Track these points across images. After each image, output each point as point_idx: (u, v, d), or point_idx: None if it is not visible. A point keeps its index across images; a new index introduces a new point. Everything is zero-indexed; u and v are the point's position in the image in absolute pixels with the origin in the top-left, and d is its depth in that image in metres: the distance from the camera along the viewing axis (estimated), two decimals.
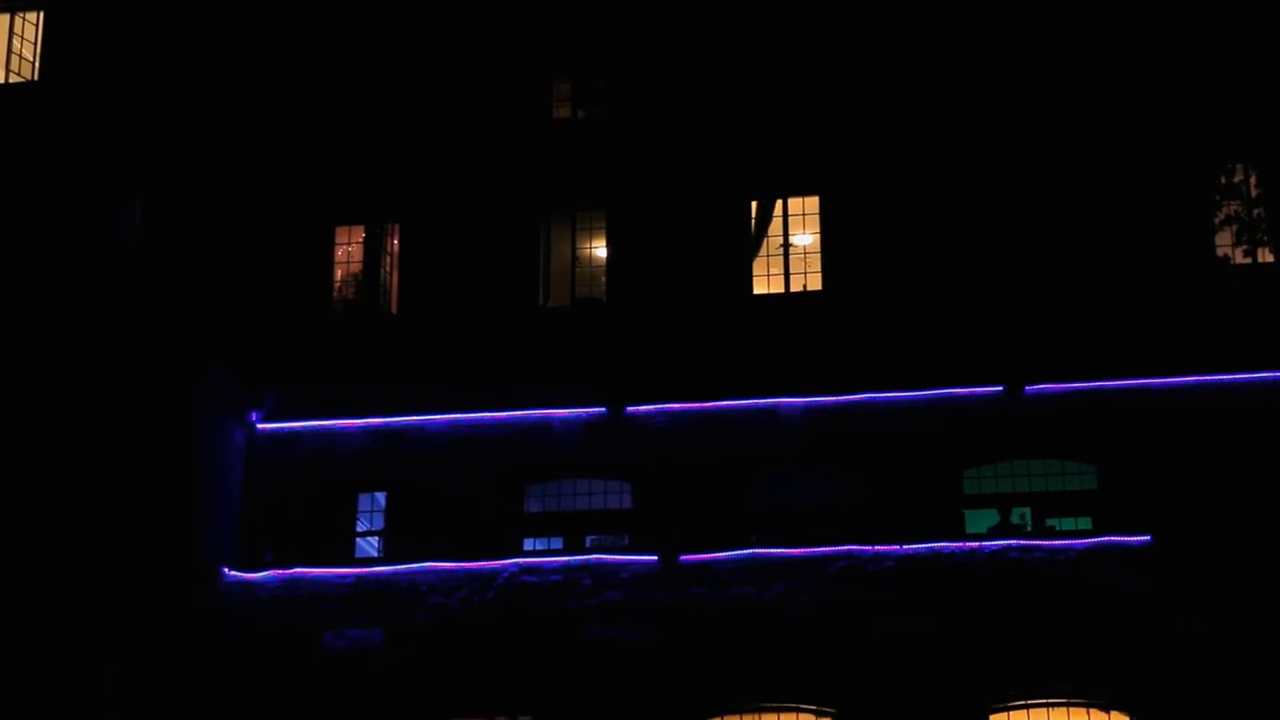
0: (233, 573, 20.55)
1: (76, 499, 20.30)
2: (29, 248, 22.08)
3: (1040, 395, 20.47)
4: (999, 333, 20.78)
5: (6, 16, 23.61)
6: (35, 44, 23.66)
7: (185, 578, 20.16)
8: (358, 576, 20.32)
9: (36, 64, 23.64)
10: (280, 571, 20.47)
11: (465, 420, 21.68)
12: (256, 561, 20.75)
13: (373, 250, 23.11)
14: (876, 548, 19.39)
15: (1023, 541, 19.34)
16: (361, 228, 23.21)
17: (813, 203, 22.16)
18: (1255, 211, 20.61)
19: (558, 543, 21.50)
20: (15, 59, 23.53)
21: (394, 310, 22.82)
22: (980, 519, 20.69)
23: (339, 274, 23.12)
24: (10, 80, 23.51)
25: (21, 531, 20.20)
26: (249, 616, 20.21)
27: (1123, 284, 20.71)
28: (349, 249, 23.22)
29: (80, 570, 19.99)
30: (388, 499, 21.87)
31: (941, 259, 21.32)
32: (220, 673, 19.96)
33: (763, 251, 22.23)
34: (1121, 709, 18.73)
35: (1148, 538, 18.97)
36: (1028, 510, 20.55)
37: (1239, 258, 20.18)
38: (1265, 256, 20.33)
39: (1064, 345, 20.56)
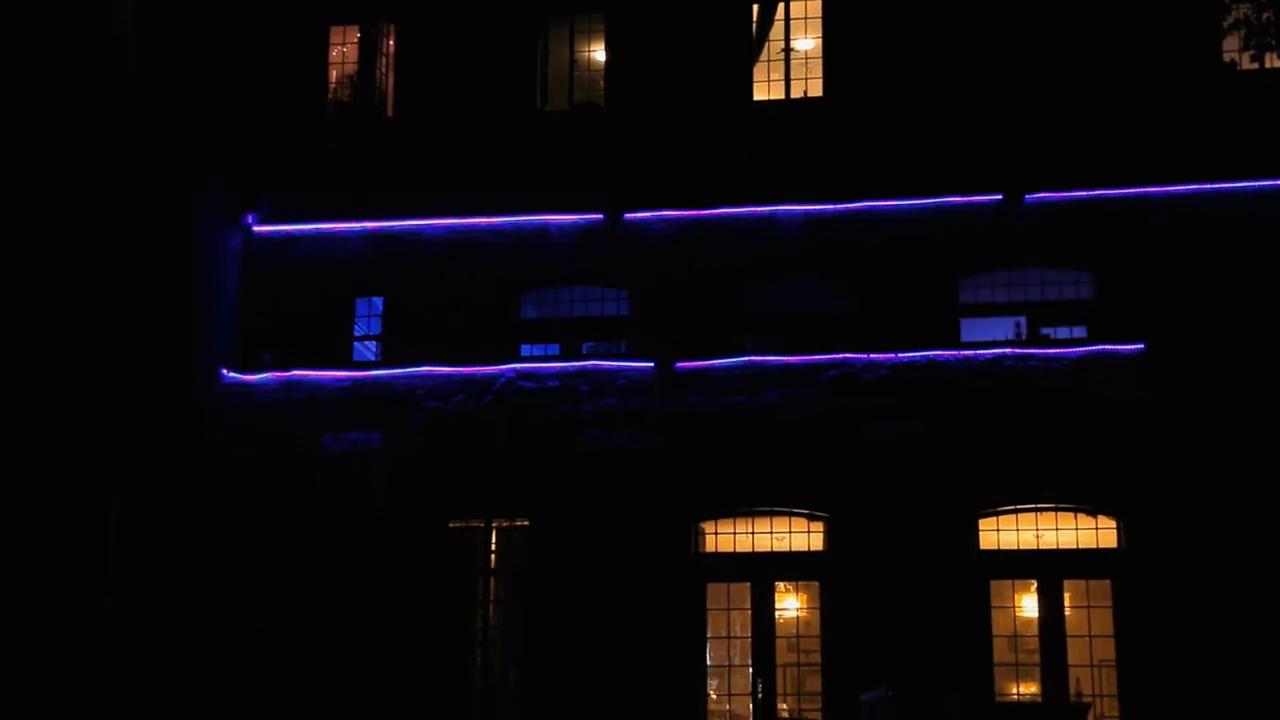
0: (230, 374, 20.72)
1: (75, 304, 20.33)
2: (20, 51, 21.73)
3: (1039, 204, 20.34)
4: (999, 140, 20.55)
5: None
6: None
7: (184, 379, 20.31)
8: (355, 380, 20.49)
9: None
10: (278, 374, 20.64)
11: (462, 225, 21.58)
12: (254, 364, 20.92)
13: (368, 51, 22.73)
14: (870, 355, 19.52)
15: (1017, 350, 19.45)
16: (356, 27, 22.79)
17: (815, 6, 21.68)
18: (1265, 15, 20.14)
19: (554, 349, 21.62)
20: None
21: (390, 113, 22.54)
22: (976, 328, 20.75)
23: (333, 75, 22.75)
24: None
25: (24, 335, 20.26)
26: (247, 418, 20.45)
27: (1126, 90, 20.41)
28: (344, 50, 22.83)
29: (82, 372, 20.11)
30: (385, 303, 21.89)
31: (943, 65, 20.98)
32: (220, 472, 20.27)
33: (763, 56, 21.86)
34: (1108, 513, 19.07)
35: (1141, 346, 19.09)
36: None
37: (1246, 63, 19.82)
38: (1273, 62, 19.93)
39: (1065, 153, 20.35)
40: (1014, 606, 19.38)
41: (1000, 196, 20.39)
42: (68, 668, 19.06)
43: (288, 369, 20.66)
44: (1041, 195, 20.34)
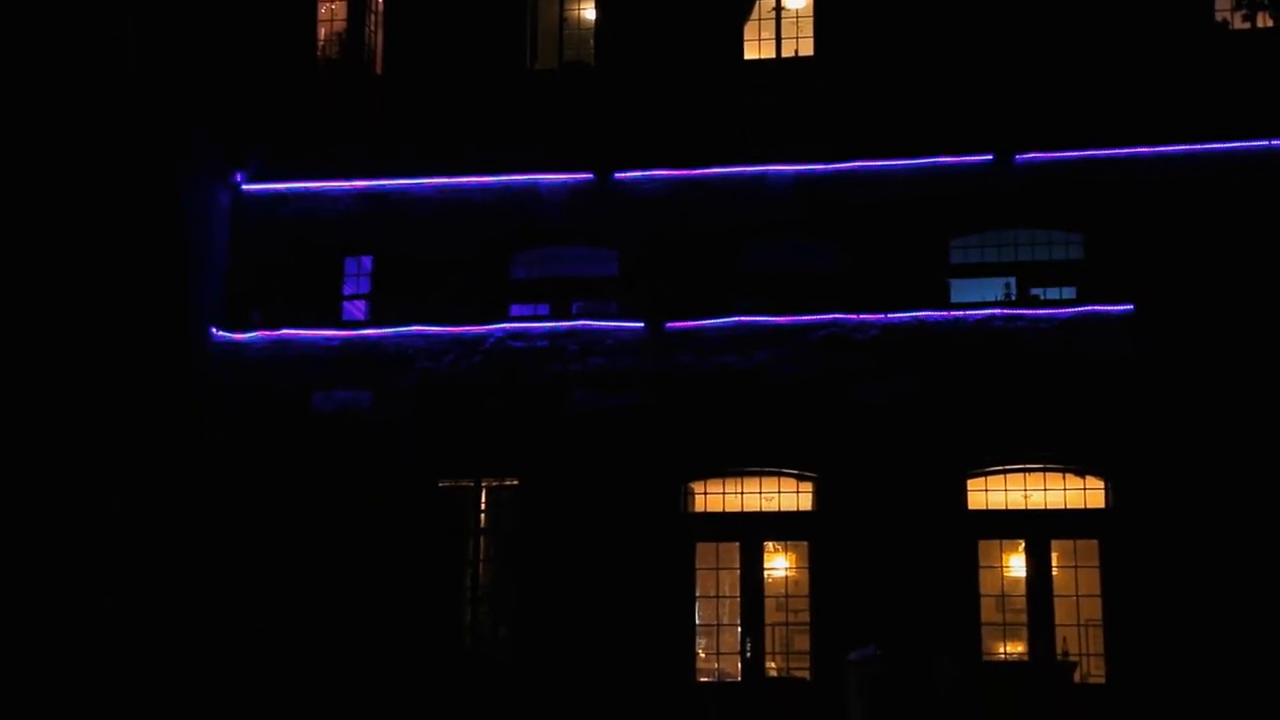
0: (220, 333, 20.70)
1: (64, 260, 20.20)
2: (6, 10, 21.55)
3: (1030, 164, 20.30)
4: (990, 100, 20.48)
5: None
6: None
7: (174, 337, 20.23)
8: (344, 339, 20.47)
9: None
10: (267, 333, 20.62)
11: (451, 185, 21.51)
12: (244, 323, 20.88)
13: (357, 8, 22.58)
14: (861, 316, 19.51)
15: (1007, 310, 19.46)
16: None
17: None
18: None
19: (544, 309, 21.58)
20: None
21: (379, 71, 22.43)
22: (966, 289, 20.75)
23: (322, 33, 22.58)
24: None
25: (14, 291, 20.17)
26: (237, 377, 20.44)
27: (1118, 49, 20.35)
28: (332, 7, 22.66)
29: (72, 330, 20.01)
30: (374, 263, 21.84)
31: (934, 24, 20.89)
32: (211, 431, 20.25)
33: (754, 15, 21.75)
34: (1096, 473, 19.12)
35: (1130, 307, 19.09)
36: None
37: (1238, 23, 19.74)
38: (1265, 21, 19.86)
39: (1056, 113, 20.29)
40: (1002, 566, 19.48)
41: (991, 157, 20.36)
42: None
43: (277, 328, 20.64)
44: (1032, 155, 20.31)
